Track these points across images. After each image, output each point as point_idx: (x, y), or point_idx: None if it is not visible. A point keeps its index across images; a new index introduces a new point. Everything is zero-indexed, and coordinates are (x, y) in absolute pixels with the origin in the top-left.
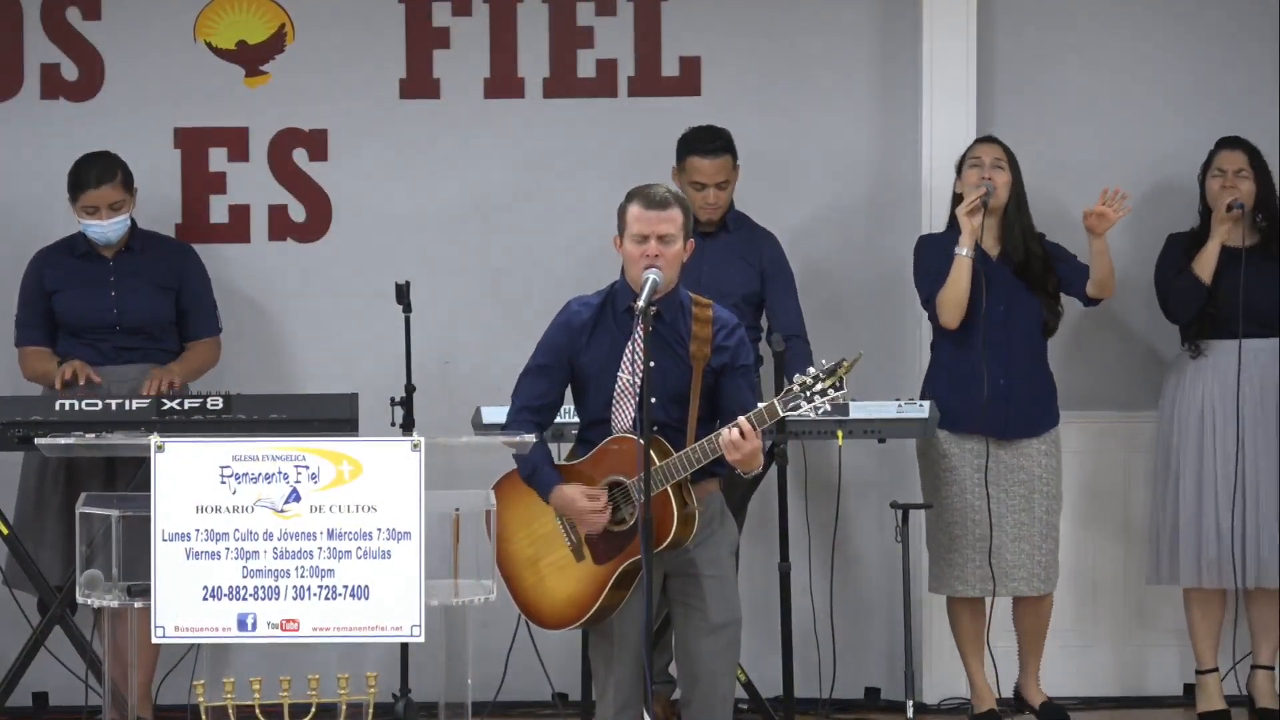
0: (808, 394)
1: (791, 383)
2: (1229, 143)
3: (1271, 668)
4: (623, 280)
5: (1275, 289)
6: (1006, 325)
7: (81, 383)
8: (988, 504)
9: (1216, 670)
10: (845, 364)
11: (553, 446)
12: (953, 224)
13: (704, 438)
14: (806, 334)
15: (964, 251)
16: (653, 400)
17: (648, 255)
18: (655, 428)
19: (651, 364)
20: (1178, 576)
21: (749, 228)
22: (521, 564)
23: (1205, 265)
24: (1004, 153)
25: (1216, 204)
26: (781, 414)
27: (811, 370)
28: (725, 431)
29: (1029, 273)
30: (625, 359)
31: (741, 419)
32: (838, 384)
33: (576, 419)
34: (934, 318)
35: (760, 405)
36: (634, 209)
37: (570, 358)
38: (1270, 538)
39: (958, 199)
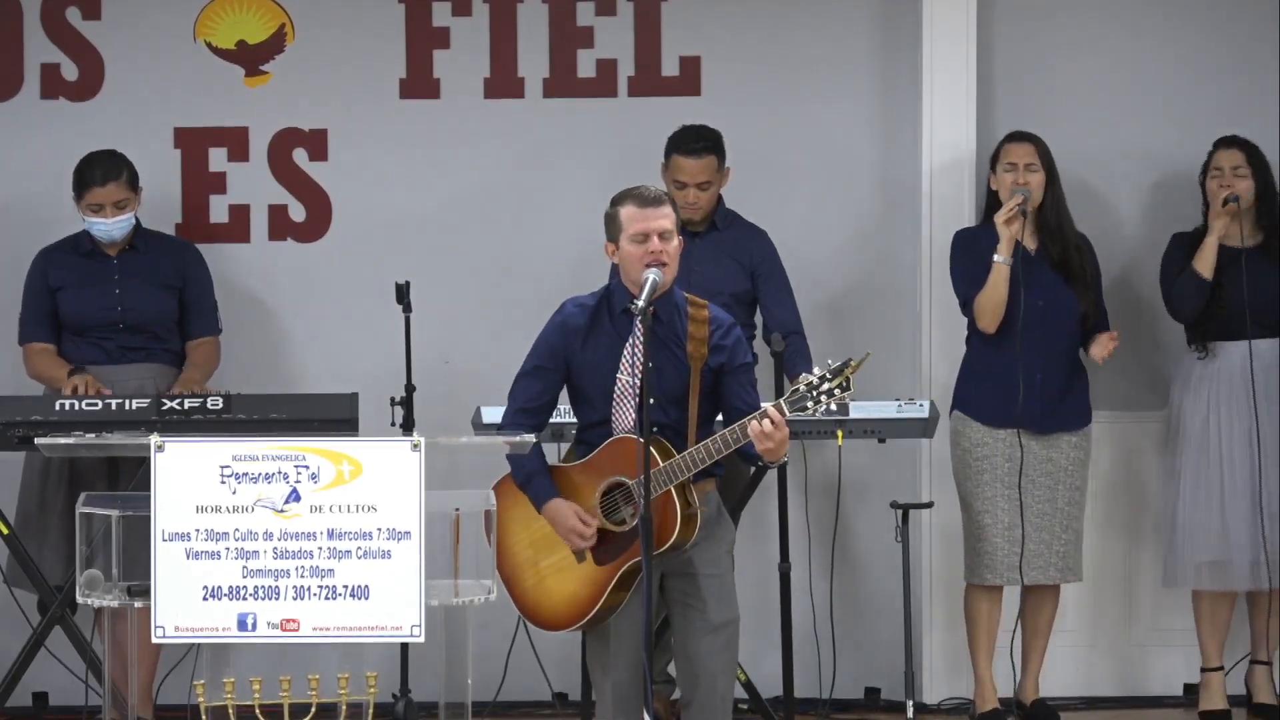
0: (814, 394)
1: (797, 382)
2: (1226, 142)
3: (1270, 663)
4: (618, 282)
5: (1275, 289)
6: (1045, 320)
7: (91, 393)
8: (1019, 496)
9: (1222, 669)
10: (853, 364)
11: (552, 446)
12: (988, 219)
13: (706, 438)
14: (803, 330)
15: (1002, 259)
16: (651, 401)
17: (652, 253)
18: (655, 429)
19: (650, 365)
20: (1175, 579)
21: (739, 226)
22: (521, 565)
23: (1204, 261)
24: (1036, 151)
25: (1213, 200)
26: (789, 415)
27: (818, 370)
28: (754, 423)
29: (1067, 266)
30: (624, 360)
31: (769, 407)
32: (845, 384)
33: (576, 419)
34: (971, 319)
35: (767, 406)
36: (629, 210)
37: (566, 359)
38: (1273, 538)
39: (992, 195)
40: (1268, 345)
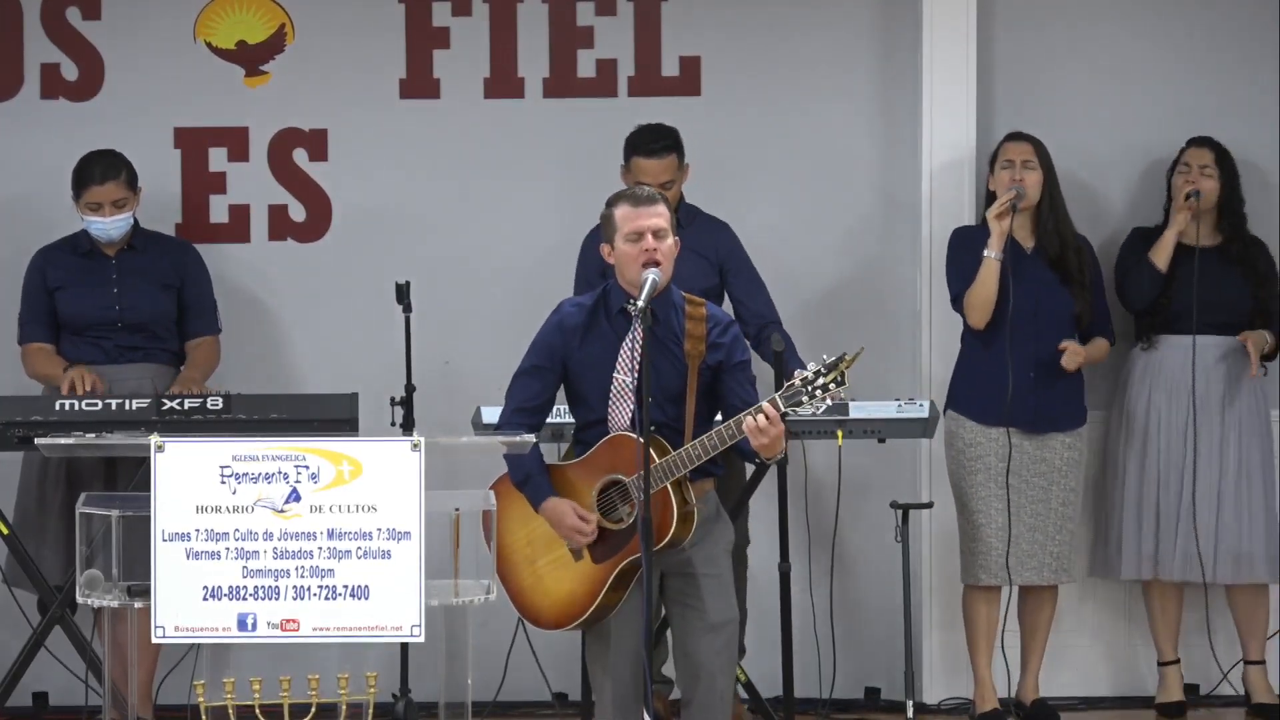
0: (809, 390)
1: (792, 378)
2: (1197, 141)
3: (1263, 662)
4: (614, 282)
5: (1232, 289)
6: (1037, 318)
7: (85, 390)
8: (1007, 496)
9: (1177, 662)
10: (847, 359)
11: (551, 446)
12: (987, 221)
13: (704, 434)
14: (779, 318)
15: (992, 254)
16: (649, 399)
17: (646, 251)
18: (652, 427)
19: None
20: (1118, 569)
21: (701, 221)
22: (519, 564)
23: (1161, 253)
24: (1034, 150)
25: (1176, 195)
26: (783, 410)
27: (812, 366)
28: (749, 419)
29: (1063, 266)
30: (622, 359)
31: (765, 403)
32: (839, 379)
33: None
34: (962, 315)
35: (762, 402)
36: (623, 209)
37: (564, 359)
38: (1263, 533)
39: (991, 195)
40: (1212, 342)
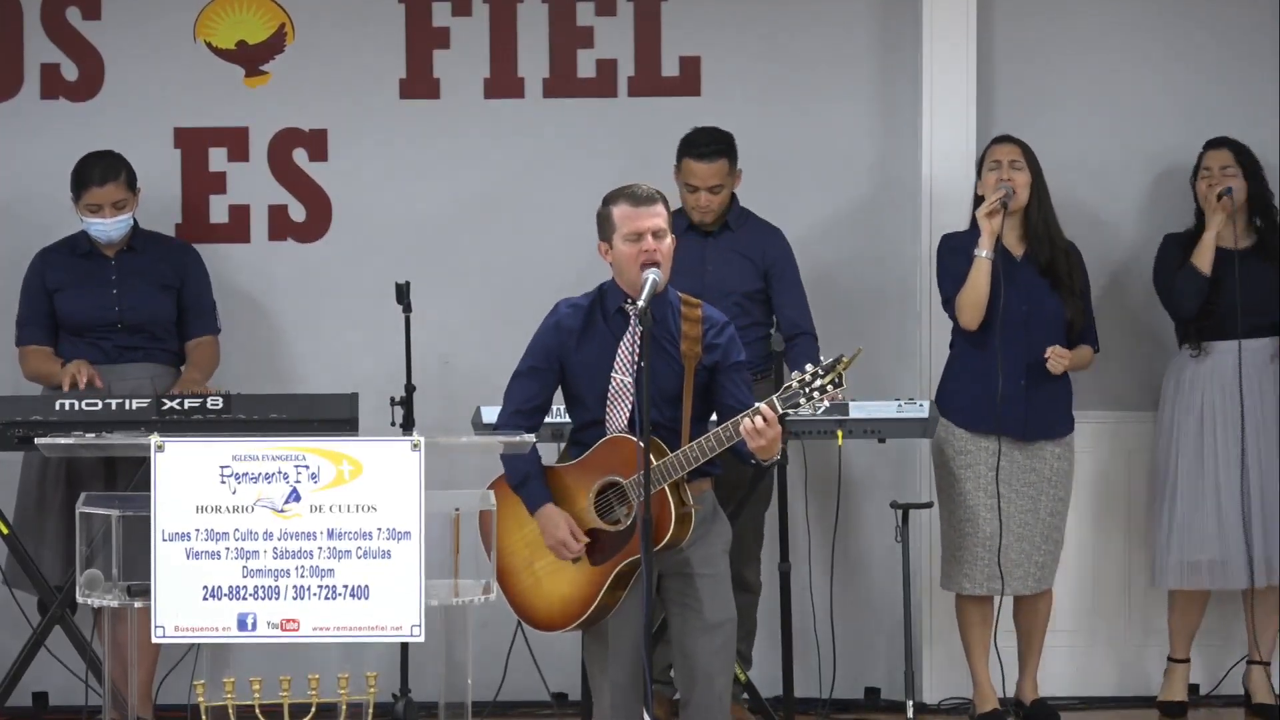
0: (807, 391)
1: (789, 379)
2: (1214, 143)
3: (1267, 663)
4: (611, 281)
5: (1271, 289)
6: (1028, 325)
7: (83, 384)
8: (998, 504)
9: (1187, 661)
10: (844, 360)
11: (550, 446)
12: (976, 224)
13: (702, 435)
14: (814, 330)
15: (983, 253)
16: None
17: (646, 252)
18: (650, 428)
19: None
20: (1166, 578)
21: (752, 224)
22: (517, 566)
23: (1203, 257)
24: (1022, 152)
25: (1207, 197)
26: (781, 411)
27: (810, 367)
28: (746, 420)
29: (1054, 272)
30: (619, 359)
31: (762, 405)
32: (837, 380)
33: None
34: (954, 318)
35: (760, 404)
36: (622, 209)
37: (561, 359)
38: (1270, 535)
39: (979, 200)
40: (1264, 344)
